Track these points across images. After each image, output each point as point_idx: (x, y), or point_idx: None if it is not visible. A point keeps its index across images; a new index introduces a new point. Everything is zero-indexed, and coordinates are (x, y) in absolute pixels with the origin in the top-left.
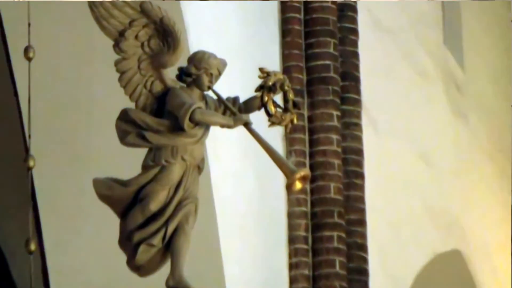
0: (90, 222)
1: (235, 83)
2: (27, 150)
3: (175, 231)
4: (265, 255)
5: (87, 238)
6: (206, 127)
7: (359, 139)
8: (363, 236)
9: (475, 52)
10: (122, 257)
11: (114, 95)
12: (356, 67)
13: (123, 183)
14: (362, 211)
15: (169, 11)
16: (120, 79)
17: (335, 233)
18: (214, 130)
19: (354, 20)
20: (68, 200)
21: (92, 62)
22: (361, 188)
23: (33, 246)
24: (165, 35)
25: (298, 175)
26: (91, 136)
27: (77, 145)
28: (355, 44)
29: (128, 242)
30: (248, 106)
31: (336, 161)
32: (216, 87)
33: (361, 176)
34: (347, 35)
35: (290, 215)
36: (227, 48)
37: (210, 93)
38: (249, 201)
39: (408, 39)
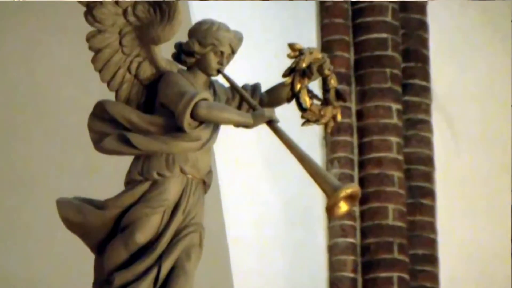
0: (49, 259)
1: (256, 65)
2: None
3: (172, 271)
4: None
5: (40, 270)
6: (215, 127)
7: (427, 142)
8: (434, 278)
9: None
10: None
11: (85, 84)
12: (424, 43)
13: (99, 205)
14: (432, 243)
15: None
16: (94, 60)
17: (394, 274)
18: (226, 131)
19: None
20: (20, 228)
21: (53, 38)
22: (430, 211)
23: None
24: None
25: (343, 193)
26: (47, 142)
27: (28, 157)
28: (422, 9)
29: (107, 287)
30: (274, 97)
31: (396, 174)
32: (229, 70)
33: (430, 194)
34: None
35: (332, 250)
36: (242, 17)
37: (220, 79)
38: (274, 229)
39: (498, 2)
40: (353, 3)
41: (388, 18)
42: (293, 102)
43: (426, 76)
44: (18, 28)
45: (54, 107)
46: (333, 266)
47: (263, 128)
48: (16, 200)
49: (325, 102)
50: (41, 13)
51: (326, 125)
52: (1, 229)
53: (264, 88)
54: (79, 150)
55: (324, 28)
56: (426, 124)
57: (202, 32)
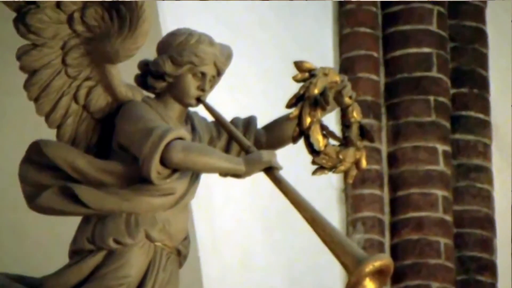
0: None
1: (250, 93)
2: None
3: None
4: None
5: None
6: (193, 176)
7: (486, 197)
8: None
9: None
10: None
11: (16, 117)
12: (482, 60)
13: (34, 285)
14: None
15: None
16: (28, 85)
17: None
18: (208, 181)
19: None
20: None
21: None
22: None
23: None
24: (115, 1)
25: (369, 268)
26: None
27: None
28: (479, 15)
29: None
30: (275, 135)
31: (443, 241)
32: (212, 99)
33: (490, 269)
34: None
35: None
36: (233, 22)
37: (201, 110)
38: None
39: None
40: (384, 6)
41: (433, 27)
42: (301, 142)
43: (484, 106)
44: None
45: None
46: None
47: (260, 178)
48: None
49: (345, 142)
50: None
51: (346, 174)
52: None
53: (261, 123)
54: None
55: (345, 40)
56: (484, 172)
57: (176, 46)
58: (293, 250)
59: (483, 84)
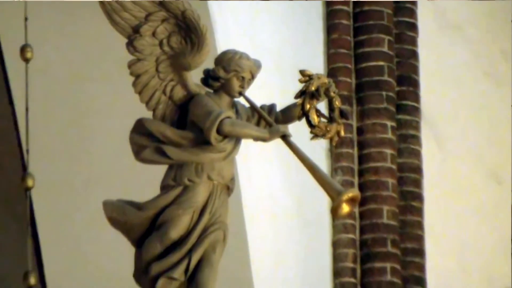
0: (99, 251)
1: (271, 89)
2: (24, 167)
3: (200, 262)
4: None
5: (95, 269)
6: (237, 140)
7: (417, 154)
8: (421, 268)
9: None
10: None
11: (127, 103)
12: (415, 69)
13: (138, 207)
14: (420, 238)
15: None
16: (134, 84)
17: (388, 265)
18: (246, 144)
19: (413, 13)
20: (74, 225)
21: (100, 64)
22: (419, 212)
23: (33, 280)
24: (188, 31)
25: (345, 197)
26: (99, 151)
27: (84, 162)
28: (414, 41)
29: (145, 275)
30: (287, 115)
31: (391, 180)
32: (249, 93)
33: (419, 198)
34: (405, 31)
35: (336, 244)
36: (262, 47)
37: (241, 100)
38: (287, 227)
39: (478, 36)
40: (355, 36)
41: (385, 49)
42: (304, 120)
43: (416, 98)
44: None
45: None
46: (337, 258)
47: (278, 142)
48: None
49: (331, 120)
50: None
51: (331, 140)
52: (66, 239)
53: (279, 108)
54: (125, 161)
55: (330, 57)
56: (416, 139)
57: (226, 60)
58: (301, 187)
59: (415, 84)
